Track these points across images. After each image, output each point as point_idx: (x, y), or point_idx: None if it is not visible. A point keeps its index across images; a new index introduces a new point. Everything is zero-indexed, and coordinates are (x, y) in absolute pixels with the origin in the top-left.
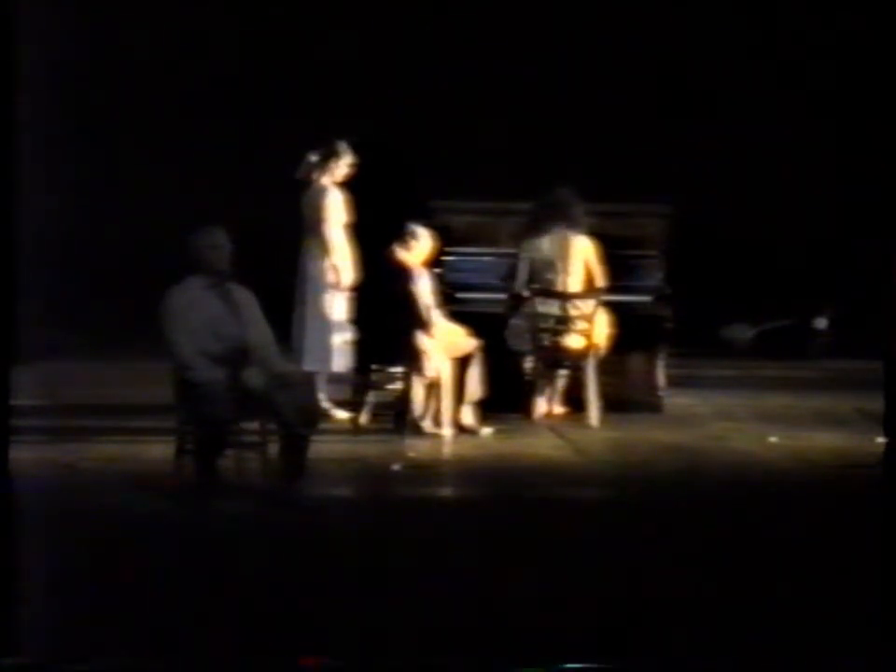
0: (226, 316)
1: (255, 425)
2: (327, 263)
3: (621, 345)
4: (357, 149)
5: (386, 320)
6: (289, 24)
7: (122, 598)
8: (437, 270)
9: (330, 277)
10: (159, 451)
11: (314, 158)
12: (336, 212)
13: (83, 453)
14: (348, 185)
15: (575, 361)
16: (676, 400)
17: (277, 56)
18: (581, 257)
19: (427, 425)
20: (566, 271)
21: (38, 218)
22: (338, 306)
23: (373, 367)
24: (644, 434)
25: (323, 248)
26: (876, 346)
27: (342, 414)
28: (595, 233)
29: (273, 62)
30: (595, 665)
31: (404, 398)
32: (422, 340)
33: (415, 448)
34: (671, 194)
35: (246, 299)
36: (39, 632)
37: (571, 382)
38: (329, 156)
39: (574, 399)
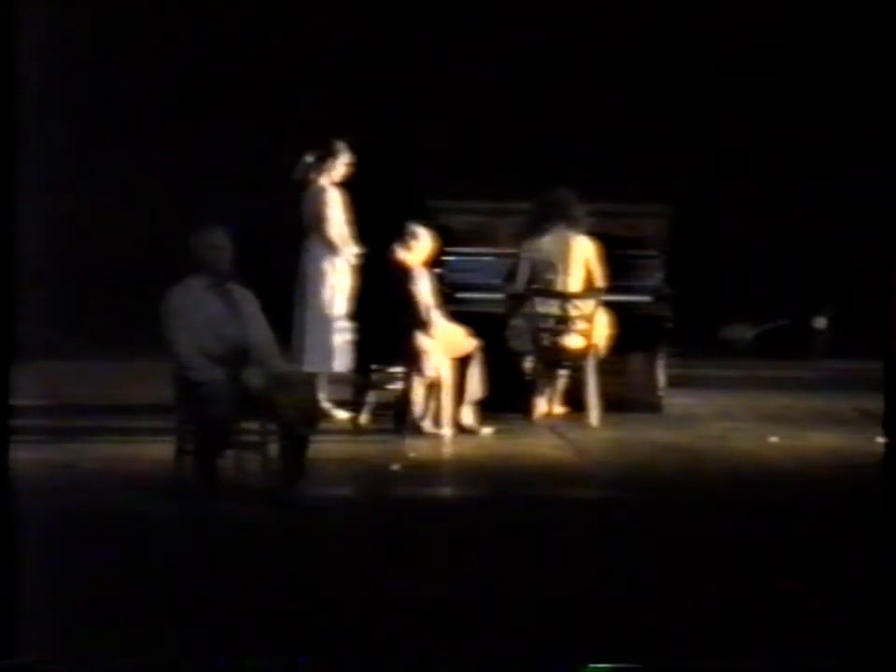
0: (226, 316)
1: (255, 425)
2: (327, 263)
3: (621, 345)
4: (355, 149)
5: (386, 320)
6: (289, 24)
7: (122, 599)
8: (437, 270)
9: (331, 277)
10: (159, 451)
11: (311, 158)
12: (335, 212)
13: (83, 453)
14: (347, 185)
15: (575, 361)
16: (676, 400)
17: (277, 55)
18: (580, 257)
19: (426, 425)
20: (565, 271)
21: (38, 218)
22: (338, 306)
23: (373, 367)
24: (644, 434)
25: (323, 248)
26: (876, 346)
27: (342, 414)
28: (594, 233)
29: (272, 61)
30: (595, 666)
31: (404, 398)
32: (422, 340)
33: (415, 448)
34: (671, 194)
35: (246, 299)
36: (39, 632)
37: (571, 382)
38: (327, 156)
39: (574, 399)
